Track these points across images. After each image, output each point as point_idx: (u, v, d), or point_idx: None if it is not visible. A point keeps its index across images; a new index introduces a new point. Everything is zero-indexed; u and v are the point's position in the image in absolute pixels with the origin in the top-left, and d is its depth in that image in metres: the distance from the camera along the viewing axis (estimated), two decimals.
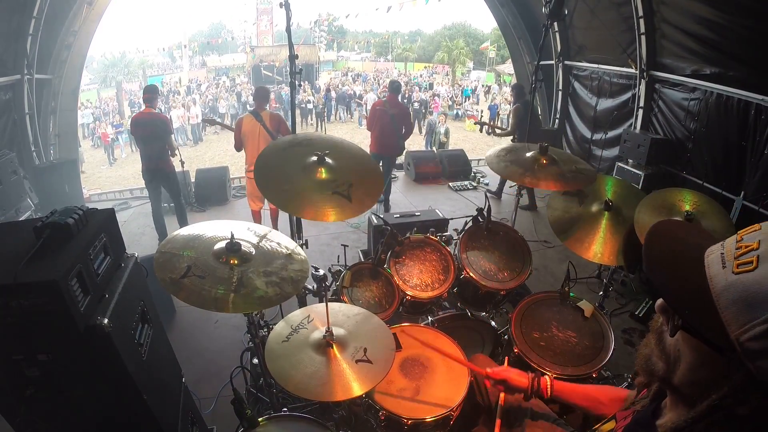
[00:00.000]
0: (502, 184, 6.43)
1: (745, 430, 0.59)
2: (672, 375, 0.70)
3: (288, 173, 1.93)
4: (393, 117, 5.34)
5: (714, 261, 0.62)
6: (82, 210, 1.50)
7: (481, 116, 16.53)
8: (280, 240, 1.84)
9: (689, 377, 0.67)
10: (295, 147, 2.06)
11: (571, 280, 2.19)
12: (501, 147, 2.61)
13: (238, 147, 4.59)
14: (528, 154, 2.48)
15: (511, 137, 5.93)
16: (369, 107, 16.96)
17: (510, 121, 6.07)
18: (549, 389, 1.37)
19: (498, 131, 6.24)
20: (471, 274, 2.38)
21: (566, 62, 7.13)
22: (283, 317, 1.74)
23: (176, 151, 4.99)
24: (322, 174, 1.93)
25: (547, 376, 1.41)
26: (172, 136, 5.07)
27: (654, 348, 0.73)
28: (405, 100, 19.24)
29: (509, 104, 13.00)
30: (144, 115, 4.65)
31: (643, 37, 5.21)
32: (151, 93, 4.81)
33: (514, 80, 9.30)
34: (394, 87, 5.67)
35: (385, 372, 1.51)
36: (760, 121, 4.00)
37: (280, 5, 2.46)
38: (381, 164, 5.56)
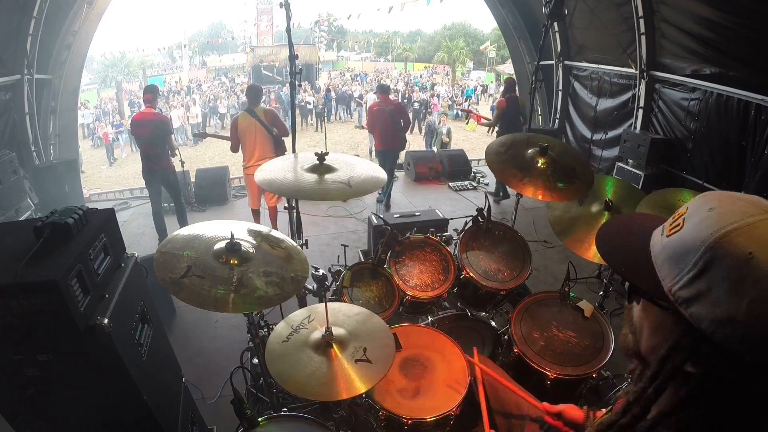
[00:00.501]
0: (503, 184, 6.43)
1: (697, 389, 0.64)
2: (639, 345, 0.75)
3: (291, 176, 1.95)
4: (390, 113, 5.56)
5: (656, 233, 0.71)
6: (82, 210, 1.50)
7: (469, 105, 16.53)
8: (280, 240, 1.85)
9: (650, 343, 0.72)
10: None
11: (571, 280, 2.19)
12: (501, 142, 2.58)
13: (235, 148, 4.56)
14: (528, 152, 2.45)
15: (494, 129, 6.15)
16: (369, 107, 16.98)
17: (494, 114, 6.25)
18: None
19: (484, 122, 6.52)
20: (471, 274, 2.38)
21: (566, 62, 7.13)
22: (283, 317, 1.74)
23: (176, 151, 5.00)
24: (324, 172, 1.95)
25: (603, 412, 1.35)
26: (173, 136, 5.06)
27: (625, 323, 0.80)
28: (405, 100, 19.26)
29: None
30: (144, 116, 4.65)
31: (643, 37, 5.21)
32: (151, 93, 4.81)
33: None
34: (384, 89, 6.00)
35: (385, 372, 1.51)
36: (760, 121, 4.00)
37: (280, 5, 2.46)
38: (386, 160, 5.87)
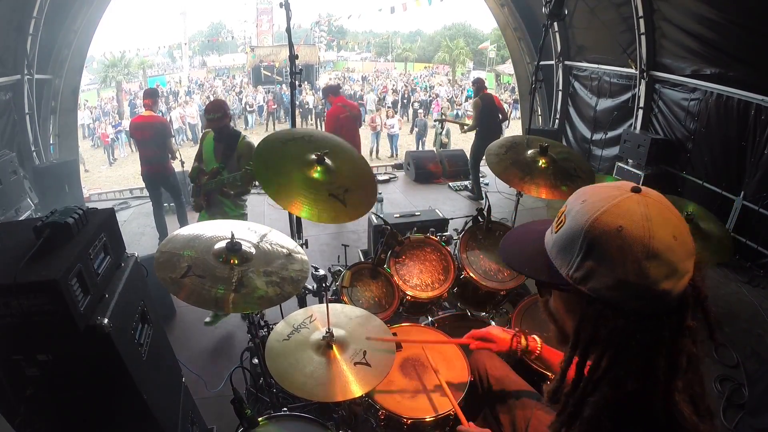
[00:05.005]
0: (477, 184, 6.42)
1: (611, 347, 0.72)
2: (564, 330, 0.83)
3: (287, 167, 1.90)
4: (355, 118, 5.30)
5: (548, 233, 0.82)
6: (81, 210, 1.50)
7: (442, 114, 16.45)
8: (280, 240, 1.84)
9: (569, 324, 0.80)
10: (296, 140, 2.05)
11: None
12: (500, 144, 2.57)
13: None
14: (529, 152, 2.44)
15: (474, 130, 6.24)
16: (369, 107, 16.96)
17: (473, 115, 6.33)
18: (539, 350, 1.49)
19: (466, 128, 6.59)
20: (471, 274, 2.38)
21: (566, 62, 7.13)
22: (283, 317, 1.74)
23: (176, 154, 4.94)
24: (320, 174, 1.90)
25: (535, 336, 1.51)
26: (173, 138, 5.04)
27: (548, 318, 0.89)
28: (405, 100, 19.22)
29: (507, 104, 12.96)
30: (144, 119, 4.64)
31: (643, 37, 5.21)
32: (151, 97, 4.80)
33: (514, 80, 9.35)
34: (334, 90, 5.62)
35: (383, 376, 1.51)
36: (760, 121, 4.00)
37: (280, 5, 2.45)
38: None
